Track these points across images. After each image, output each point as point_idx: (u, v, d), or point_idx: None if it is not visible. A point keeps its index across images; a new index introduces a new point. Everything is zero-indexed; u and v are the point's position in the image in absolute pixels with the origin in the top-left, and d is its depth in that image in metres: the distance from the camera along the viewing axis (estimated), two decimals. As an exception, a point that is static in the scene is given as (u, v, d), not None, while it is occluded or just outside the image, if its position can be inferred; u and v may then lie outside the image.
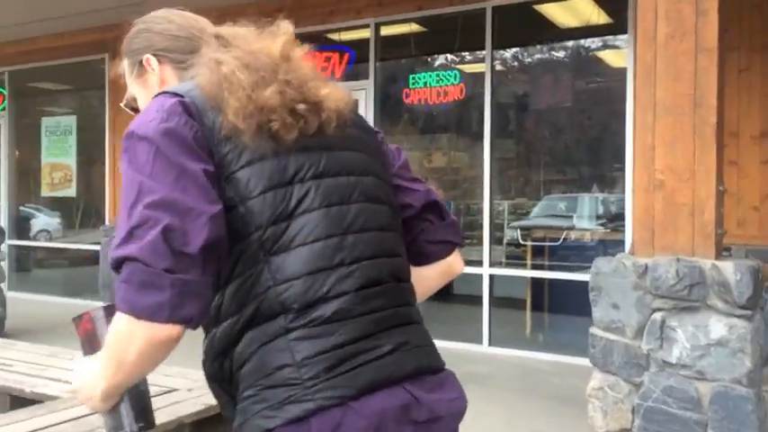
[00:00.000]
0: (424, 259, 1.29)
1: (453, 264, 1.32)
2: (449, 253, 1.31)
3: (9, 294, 6.28)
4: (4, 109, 8.33)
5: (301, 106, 1.10)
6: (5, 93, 8.33)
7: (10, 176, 8.35)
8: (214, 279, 1.01)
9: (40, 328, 5.89)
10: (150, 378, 2.77)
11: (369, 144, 1.22)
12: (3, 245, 6.09)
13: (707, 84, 2.68)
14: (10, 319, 5.73)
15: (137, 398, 1.20)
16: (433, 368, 1.16)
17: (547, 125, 5.85)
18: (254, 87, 1.07)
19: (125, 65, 1.31)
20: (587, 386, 2.84)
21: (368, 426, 1.02)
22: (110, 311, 1.12)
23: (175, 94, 1.08)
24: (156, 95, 1.11)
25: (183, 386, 2.90)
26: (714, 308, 2.57)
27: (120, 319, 0.98)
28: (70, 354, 3.51)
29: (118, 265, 0.97)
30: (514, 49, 5.84)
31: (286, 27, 1.19)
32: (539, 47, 5.73)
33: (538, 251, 5.74)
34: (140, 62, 1.26)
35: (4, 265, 7.20)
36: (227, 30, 1.22)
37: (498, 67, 5.67)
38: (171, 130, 1.02)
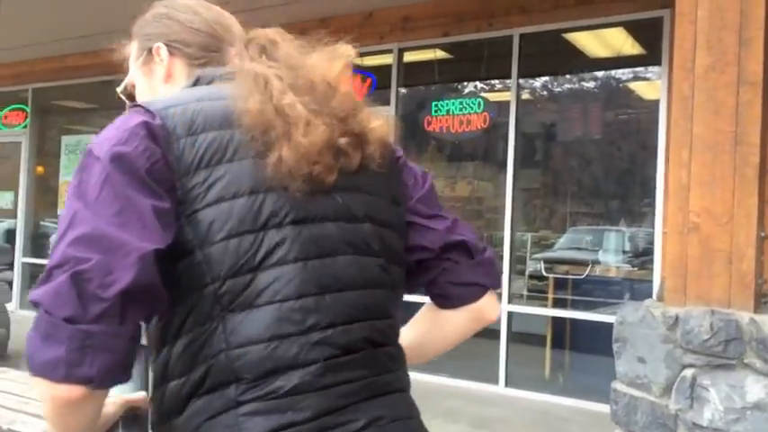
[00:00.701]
0: (447, 302, 1.10)
1: (485, 309, 1.10)
2: (478, 297, 1.09)
3: (20, 313, 6.19)
4: (26, 126, 8.34)
5: (343, 141, 0.95)
6: (28, 110, 8.34)
7: (28, 193, 8.32)
8: (136, 332, 0.85)
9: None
10: None
11: (381, 178, 1.01)
12: (15, 262, 6.00)
13: (749, 119, 2.45)
14: (17, 339, 5.59)
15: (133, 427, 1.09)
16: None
17: (574, 156, 5.63)
18: (308, 123, 0.92)
19: (132, 47, 1.16)
20: (609, 447, 2.58)
21: None
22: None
23: (147, 111, 0.92)
24: (131, 106, 0.96)
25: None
26: (752, 367, 2.31)
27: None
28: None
29: (35, 307, 0.83)
30: (542, 78, 5.65)
31: (346, 51, 1.03)
32: (567, 76, 5.53)
33: (561, 285, 5.48)
34: (150, 49, 1.12)
35: (16, 284, 7.14)
36: (267, 34, 1.04)
37: (524, 96, 5.48)
38: (124, 157, 0.87)
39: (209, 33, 1.11)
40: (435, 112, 5.68)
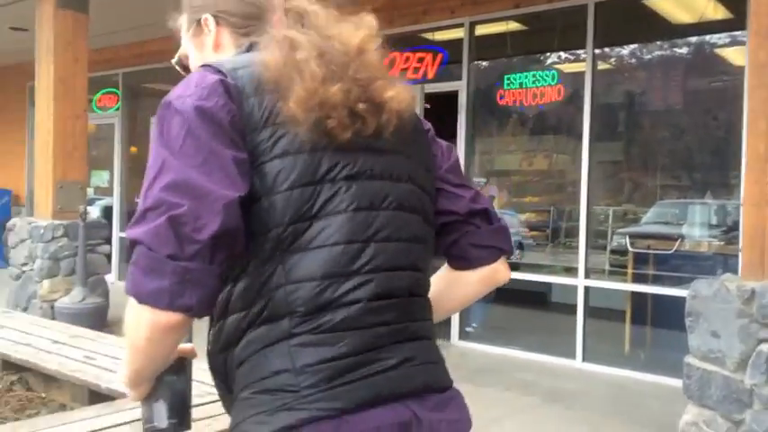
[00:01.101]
0: (465, 263, 1.21)
1: (498, 271, 1.21)
2: (495, 259, 1.20)
3: (119, 284, 6.60)
4: (118, 109, 8.81)
5: (362, 106, 1.04)
6: (120, 93, 8.80)
7: (123, 172, 8.81)
8: (222, 269, 0.96)
9: (140, 319, 6.16)
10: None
11: (416, 146, 1.14)
12: (113, 237, 6.41)
13: (831, 86, 2.35)
14: (115, 308, 5.97)
15: (174, 395, 1.18)
16: (439, 386, 1.09)
17: (655, 127, 5.46)
18: (324, 81, 1.01)
19: (183, 20, 1.26)
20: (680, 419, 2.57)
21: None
22: None
23: (218, 71, 1.02)
24: (200, 66, 1.06)
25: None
26: (833, 343, 2.25)
27: (130, 302, 0.96)
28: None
29: (131, 245, 0.95)
30: (618, 48, 5.48)
31: (369, 21, 1.12)
32: (645, 44, 5.35)
33: (642, 260, 5.37)
34: (198, 21, 1.20)
35: (114, 256, 7.61)
36: (303, 4, 1.13)
37: (600, 67, 5.34)
38: (207, 111, 0.97)
39: (250, 2, 1.18)
40: (508, 85, 5.63)
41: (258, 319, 0.99)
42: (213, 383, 1.13)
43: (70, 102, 5.63)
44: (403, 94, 1.08)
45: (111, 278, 6.55)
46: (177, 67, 1.30)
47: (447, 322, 5.82)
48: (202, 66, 1.06)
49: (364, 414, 0.97)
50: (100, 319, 5.42)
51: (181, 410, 1.18)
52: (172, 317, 0.93)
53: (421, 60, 6.11)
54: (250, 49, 1.11)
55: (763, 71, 2.48)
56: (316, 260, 0.98)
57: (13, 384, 3.23)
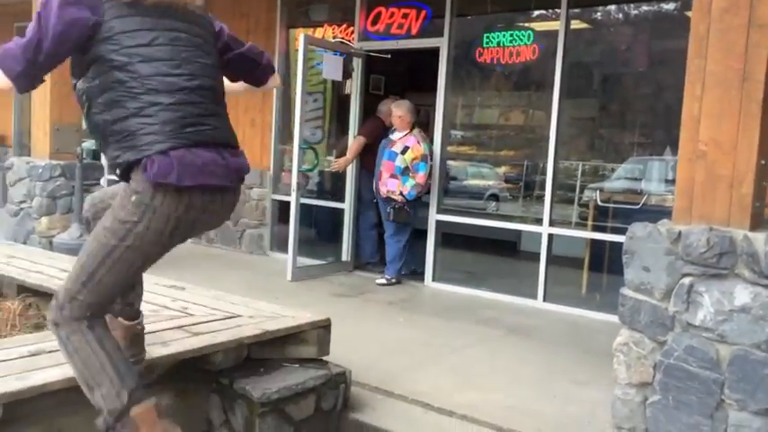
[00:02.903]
0: (260, 81, 2.49)
1: (276, 78, 2.51)
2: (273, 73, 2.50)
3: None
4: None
5: None
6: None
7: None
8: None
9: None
10: (217, 304, 3.27)
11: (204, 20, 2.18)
12: (103, 179, 6.69)
13: (757, 59, 2.71)
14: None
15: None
16: (233, 144, 2.13)
17: (626, 86, 5.80)
18: None
19: None
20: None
21: (200, 161, 1.92)
22: None
23: None
24: None
25: (246, 313, 3.27)
26: (741, 276, 2.67)
27: None
28: (155, 279, 3.97)
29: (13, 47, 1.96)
30: (592, 8, 5.78)
31: None
32: (619, 4, 5.65)
33: (608, 213, 5.79)
34: None
35: (104, 198, 7.89)
36: None
37: (574, 26, 5.63)
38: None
39: None
40: (487, 43, 5.93)
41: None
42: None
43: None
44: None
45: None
46: None
47: (422, 266, 6.25)
48: None
49: (200, 149, 1.94)
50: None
51: None
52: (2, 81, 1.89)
53: (405, 16, 6.37)
54: None
55: (701, 43, 2.84)
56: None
57: (29, 306, 3.58)
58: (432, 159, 6.04)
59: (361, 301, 5.49)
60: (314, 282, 6.07)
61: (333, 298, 5.51)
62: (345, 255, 6.76)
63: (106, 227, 1.95)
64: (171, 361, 2.61)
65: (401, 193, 5.93)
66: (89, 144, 8.17)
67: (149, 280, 3.91)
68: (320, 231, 7.40)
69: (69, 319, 1.97)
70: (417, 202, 6.14)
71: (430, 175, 6.03)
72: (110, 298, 2.07)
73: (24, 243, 5.89)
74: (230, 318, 3.15)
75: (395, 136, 6.13)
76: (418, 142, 5.99)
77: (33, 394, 2.16)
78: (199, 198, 1.96)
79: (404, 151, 5.96)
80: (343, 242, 6.80)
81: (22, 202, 6.08)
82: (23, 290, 3.77)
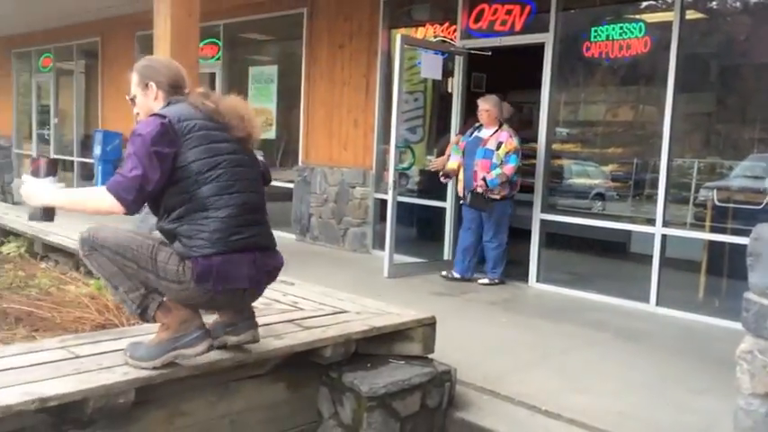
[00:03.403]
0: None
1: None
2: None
3: (219, 222, 7.21)
4: (219, 59, 9.39)
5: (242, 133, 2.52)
6: (221, 44, 9.36)
7: (222, 119, 9.41)
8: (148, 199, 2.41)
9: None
10: (325, 300, 3.45)
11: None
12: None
13: None
14: (219, 242, 6.59)
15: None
16: (271, 247, 2.56)
17: (747, 79, 5.45)
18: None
19: (134, 77, 2.56)
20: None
21: (236, 269, 2.37)
22: (50, 164, 2.52)
23: (162, 116, 2.35)
24: (151, 114, 2.40)
25: (353, 309, 3.34)
26: None
27: (101, 190, 2.31)
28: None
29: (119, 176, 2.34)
30: (709, -3, 5.48)
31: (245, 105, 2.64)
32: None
33: (726, 214, 5.47)
34: (147, 84, 2.52)
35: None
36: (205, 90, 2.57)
37: (689, 16, 5.36)
38: (154, 137, 2.31)
39: (175, 82, 2.51)
40: (595, 37, 5.74)
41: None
42: None
43: (184, 53, 6.16)
44: (258, 129, 2.60)
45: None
46: (129, 101, 2.59)
47: (525, 266, 6.15)
48: (153, 115, 2.37)
49: (239, 254, 2.37)
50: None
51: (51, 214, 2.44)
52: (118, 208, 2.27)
53: (509, 12, 6.28)
54: (170, 103, 2.44)
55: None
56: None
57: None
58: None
59: (463, 301, 5.47)
60: (414, 280, 6.11)
61: (433, 296, 5.53)
62: (446, 254, 6.75)
63: (158, 259, 2.36)
64: (284, 353, 2.71)
65: (483, 179, 5.79)
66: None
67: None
68: (421, 230, 7.44)
69: (93, 255, 2.43)
70: (507, 203, 5.96)
71: (518, 171, 5.91)
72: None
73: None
74: (338, 313, 3.23)
75: (484, 133, 5.99)
76: (511, 136, 5.87)
77: (163, 380, 2.31)
78: (227, 292, 2.42)
79: (498, 147, 5.84)
80: (444, 241, 6.80)
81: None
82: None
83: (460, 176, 6.08)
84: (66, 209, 2.43)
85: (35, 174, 2.47)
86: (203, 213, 2.32)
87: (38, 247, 5.23)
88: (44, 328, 3.33)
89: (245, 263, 2.39)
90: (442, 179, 6.26)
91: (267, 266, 2.50)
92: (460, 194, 6.14)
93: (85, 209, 2.40)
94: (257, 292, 2.58)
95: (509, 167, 5.79)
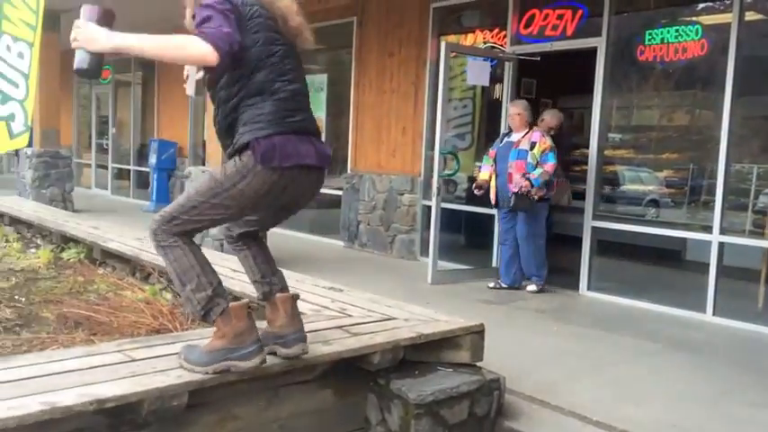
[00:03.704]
0: None
1: None
2: None
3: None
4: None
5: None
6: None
7: (273, 127, 9.57)
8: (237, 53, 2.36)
9: (292, 258, 6.87)
10: (373, 307, 3.42)
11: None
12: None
13: None
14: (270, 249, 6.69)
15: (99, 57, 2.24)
16: (318, 135, 2.57)
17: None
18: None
19: None
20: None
21: (296, 145, 2.41)
22: (107, 13, 2.26)
23: None
24: None
25: (400, 316, 3.35)
26: None
27: (192, 38, 2.21)
28: (314, 280, 4.17)
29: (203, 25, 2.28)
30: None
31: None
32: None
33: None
34: None
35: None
36: None
37: (748, 18, 5.20)
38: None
39: None
40: (649, 41, 5.63)
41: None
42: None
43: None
44: (308, 32, 2.56)
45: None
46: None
47: (576, 274, 6.05)
48: None
49: (296, 135, 2.42)
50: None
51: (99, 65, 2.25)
52: (211, 56, 2.16)
53: (560, 17, 6.22)
54: None
55: None
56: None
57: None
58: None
59: (511, 309, 5.42)
60: (461, 287, 6.08)
61: (482, 304, 5.49)
62: (495, 261, 6.70)
63: (217, 179, 2.39)
64: (332, 359, 2.74)
65: (527, 178, 5.71)
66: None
67: (308, 281, 4.14)
68: (469, 237, 7.40)
69: (165, 232, 2.40)
70: (544, 204, 5.90)
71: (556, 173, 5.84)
72: (199, 229, 2.47)
73: (200, 245, 6.42)
74: (386, 320, 3.24)
75: (514, 137, 5.94)
76: (543, 135, 5.85)
77: (215, 384, 2.36)
78: (291, 171, 2.42)
79: (532, 147, 5.79)
80: (492, 248, 6.75)
81: (196, 206, 6.65)
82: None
83: (493, 184, 6.05)
84: (137, 52, 2.22)
85: (90, 18, 2.22)
86: (259, 97, 2.37)
87: (96, 253, 5.41)
88: (102, 332, 3.44)
89: (304, 142, 2.44)
90: (475, 191, 6.20)
91: (323, 150, 2.52)
92: (494, 203, 6.11)
93: (166, 53, 2.19)
94: (311, 179, 2.55)
95: (550, 165, 5.74)
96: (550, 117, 6.64)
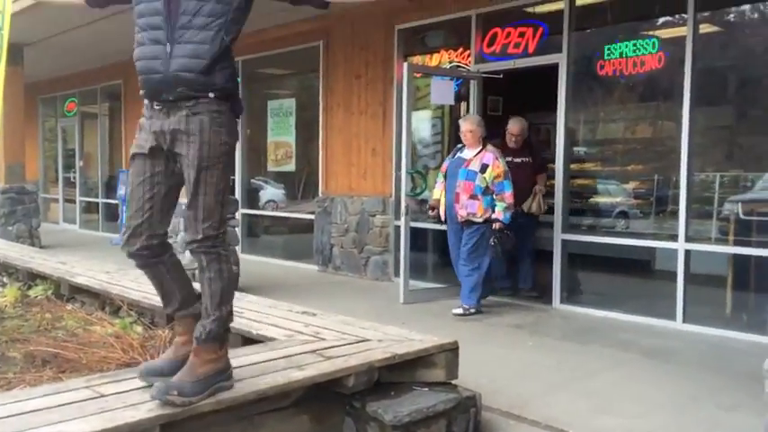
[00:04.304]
0: None
1: None
2: None
3: (242, 256, 7.29)
4: (237, 94, 9.53)
5: None
6: (239, 80, 9.50)
7: (243, 153, 9.58)
8: None
9: (265, 284, 6.84)
10: (347, 329, 3.37)
11: None
12: (237, 213, 7.11)
13: None
14: (242, 276, 6.63)
15: None
16: None
17: (761, 92, 5.41)
18: None
19: None
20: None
21: None
22: None
23: None
24: None
25: (374, 337, 3.34)
26: None
27: None
28: (288, 306, 4.16)
29: None
30: (721, 9, 5.46)
31: None
32: (752, 5, 5.30)
33: (753, 228, 5.39)
34: None
35: (238, 231, 8.33)
36: None
37: (702, 30, 5.35)
38: None
39: None
40: (608, 55, 5.75)
41: None
42: None
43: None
44: None
45: (238, 249, 7.22)
46: None
47: (549, 287, 6.11)
48: None
49: None
50: (234, 283, 6.07)
51: None
52: None
53: (522, 35, 6.34)
54: None
55: None
56: None
57: (177, 332, 3.84)
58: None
59: (486, 325, 5.43)
60: (435, 305, 6.09)
61: (456, 322, 5.50)
62: (470, 278, 6.72)
63: (218, 154, 2.38)
64: (307, 384, 2.72)
65: (498, 220, 5.53)
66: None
67: (281, 307, 4.11)
68: (441, 256, 7.42)
69: (221, 239, 2.44)
70: (487, 225, 5.63)
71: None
72: None
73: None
74: (360, 341, 3.23)
75: (466, 154, 5.74)
76: (497, 158, 5.62)
77: (186, 416, 2.33)
78: None
79: (483, 169, 5.58)
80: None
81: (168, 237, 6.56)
82: (172, 319, 4.06)
83: (442, 200, 5.86)
84: None
85: None
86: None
87: (64, 288, 5.31)
88: (71, 369, 3.37)
89: None
90: (429, 213, 6.07)
91: None
92: (442, 218, 5.90)
93: None
94: None
95: (508, 195, 5.56)
96: (512, 124, 6.42)
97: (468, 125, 5.78)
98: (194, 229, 2.39)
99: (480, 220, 5.62)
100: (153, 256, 2.54)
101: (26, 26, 7.93)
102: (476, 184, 5.61)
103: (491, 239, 5.62)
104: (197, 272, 2.53)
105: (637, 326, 5.37)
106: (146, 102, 2.50)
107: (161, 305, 4.10)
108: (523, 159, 6.34)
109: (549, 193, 6.43)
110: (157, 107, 2.45)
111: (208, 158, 2.36)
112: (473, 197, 5.61)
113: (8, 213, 9.84)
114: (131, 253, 2.52)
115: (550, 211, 6.20)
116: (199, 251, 2.42)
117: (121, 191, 11.40)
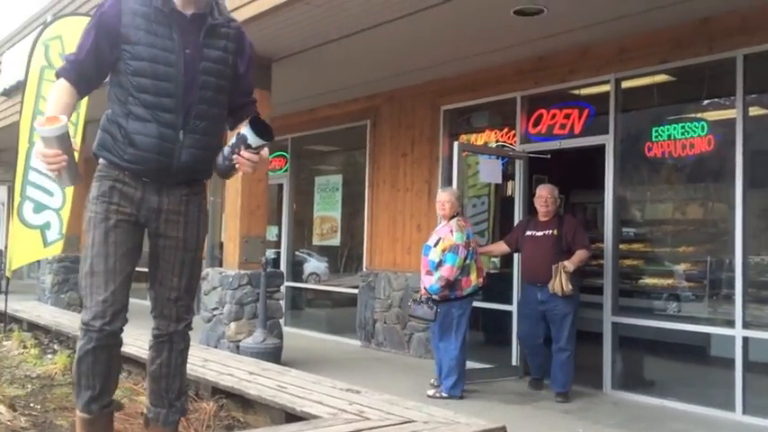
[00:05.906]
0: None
1: None
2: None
3: (284, 329, 7.30)
4: (286, 170, 9.80)
5: None
6: (288, 156, 9.80)
7: (289, 227, 9.74)
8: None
9: (308, 359, 6.80)
10: (391, 409, 3.30)
11: None
12: (282, 286, 7.16)
13: None
14: (285, 349, 6.65)
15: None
16: None
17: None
18: None
19: None
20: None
21: None
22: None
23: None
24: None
25: (420, 419, 3.27)
26: None
27: None
28: (331, 382, 4.11)
29: None
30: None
31: None
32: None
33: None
34: None
35: (282, 303, 8.39)
36: None
37: (752, 113, 5.31)
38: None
39: None
40: (656, 137, 5.75)
41: None
42: None
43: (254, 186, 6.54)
44: None
45: (282, 322, 7.25)
46: None
47: (599, 372, 5.90)
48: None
49: None
50: (276, 357, 6.08)
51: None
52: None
53: (567, 116, 6.40)
54: None
55: None
56: None
57: (222, 407, 3.83)
58: (470, 247, 5.36)
59: (534, 409, 5.26)
60: (482, 386, 5.93)
61: (503, 404, 5.33)
62: (515, 359, 6.57)
63: (204, 235, 2.48)
64: (351, 466, 2.66)
65: (425, 288, 5.35)
66: (269, 253, 8.85)
67: (324, 383, 4.07)
68: (488, 334, 7.29)
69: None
70: (454, 304, 5.34)
71: (466, 268, 5.33)
72: None
73: (215, 347, 6.39)
74: (405, 422, 3.16)
75: (437, 228, 5.67)
76: (451, 231, 5.38)
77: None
78: None
79: (436, 243, 5.41)
80: (511, 345, 6.64)
81: (214, 309, 6.65)
82: (216, 391, 4.05)
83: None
84: None
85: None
86: None
87: None
88: (116, 439, 3.37)
89: None
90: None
91: None
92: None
93: None
94: None
95: (446, 268, 5.27)
96: (540, 189, 5.99)
97: (441, 197, 5.63)
98: (186, 309, 2.46)
99: (437, 297, 5.36)
100: (120, 336, 2.39)
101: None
102: (429, 259, 5.42)
103: (424, 308, 5.38)
104: (161, 357, 2.49)
105: (692, 415, 5.12)
106: (129, 173, 2.33)
107: (205, 377, 4.14)
108: (546, 233, 5.77)
109: (596, 273, 6.31)
110: (146, 180, 2.33)
111: (198, 241, 2.43)
112: (428, 273, 5.42)
113: (62, 282, 10.13)
114: (112, 332, 2.29)
115: (584, 290, 6.04)
116: (185, 331, 2.45)
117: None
